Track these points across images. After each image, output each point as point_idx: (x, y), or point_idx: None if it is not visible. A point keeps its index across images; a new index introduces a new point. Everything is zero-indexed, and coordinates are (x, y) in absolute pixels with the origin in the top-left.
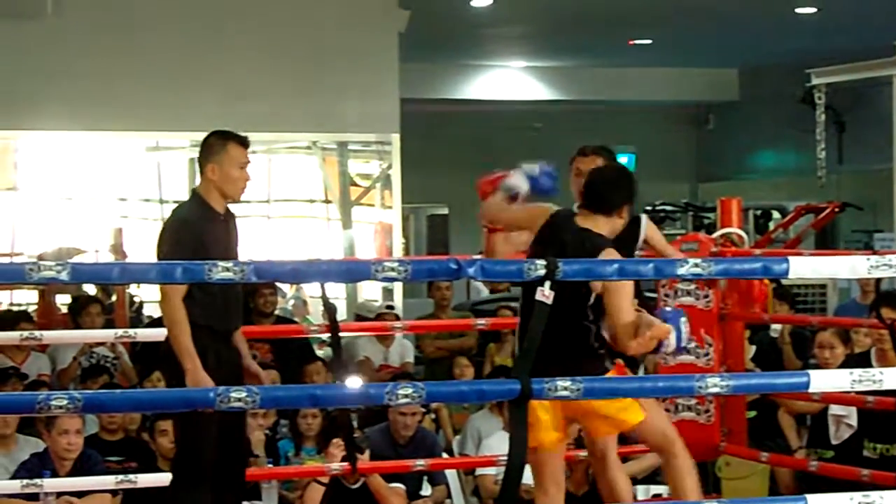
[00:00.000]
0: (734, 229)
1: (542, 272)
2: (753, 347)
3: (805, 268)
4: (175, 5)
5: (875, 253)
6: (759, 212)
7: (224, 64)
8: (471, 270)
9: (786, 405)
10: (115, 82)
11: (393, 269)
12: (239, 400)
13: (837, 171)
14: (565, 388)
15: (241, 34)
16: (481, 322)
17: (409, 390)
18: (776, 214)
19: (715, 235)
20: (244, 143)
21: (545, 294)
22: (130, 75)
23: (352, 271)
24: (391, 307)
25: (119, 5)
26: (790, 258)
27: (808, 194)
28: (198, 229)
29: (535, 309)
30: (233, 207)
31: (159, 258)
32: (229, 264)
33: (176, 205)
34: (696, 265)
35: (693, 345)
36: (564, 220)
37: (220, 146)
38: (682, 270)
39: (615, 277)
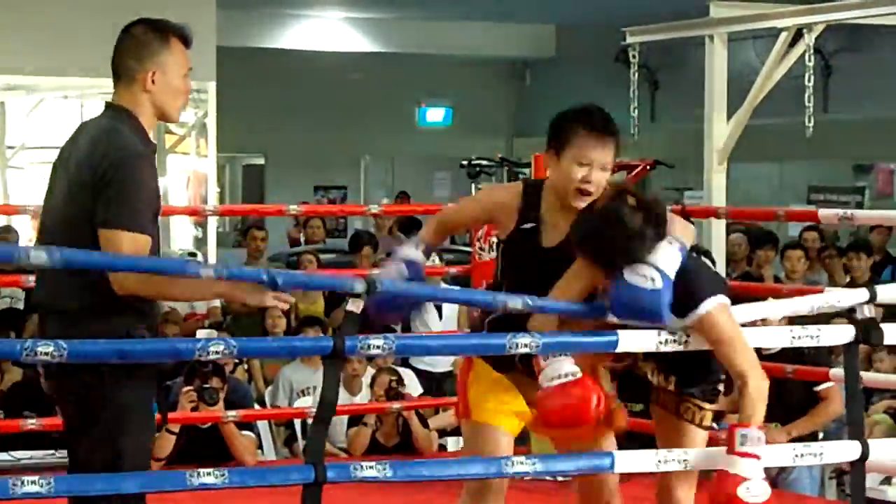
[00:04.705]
0: None
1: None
2: None
3: None
4: None
5: (685, 210)
6: None
7: (37, 6)
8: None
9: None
10: None
11: None
12: (45, 354)
13: (650, 128)
14: (378, 347)
15: None
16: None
17: (221, 346)
18: None
19: None
20: (188, 40)
21: (356, 306)
22: None
23: None
24: (193, 254)
25: None
26: None
27: (622, 152)
28: (153, 163)
29: (344, 317)
30: None
31: (121, 206)
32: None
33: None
34: None
35: None
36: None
37: (161, 44)
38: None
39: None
